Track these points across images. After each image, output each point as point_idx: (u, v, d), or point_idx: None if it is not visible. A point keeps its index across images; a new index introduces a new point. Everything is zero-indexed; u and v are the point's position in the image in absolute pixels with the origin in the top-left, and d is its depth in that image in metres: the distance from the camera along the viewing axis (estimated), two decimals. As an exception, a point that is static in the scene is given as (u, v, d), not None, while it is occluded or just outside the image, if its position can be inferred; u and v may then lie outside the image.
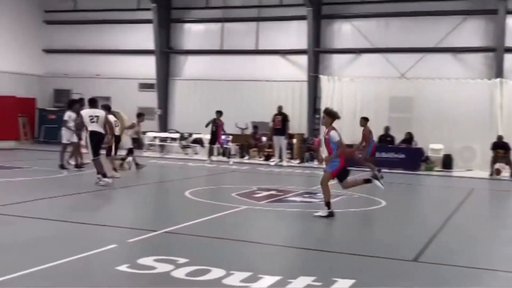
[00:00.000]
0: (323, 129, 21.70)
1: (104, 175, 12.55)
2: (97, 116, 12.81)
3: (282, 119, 19.90)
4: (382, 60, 22.03)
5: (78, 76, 26.54)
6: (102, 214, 9.69)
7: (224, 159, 21.49)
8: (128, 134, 16.47)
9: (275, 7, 23.43)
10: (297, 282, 5.77)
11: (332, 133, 9.75)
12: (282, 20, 23.33)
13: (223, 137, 20.67)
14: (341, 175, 9.88)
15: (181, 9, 24.96)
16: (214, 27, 24.46)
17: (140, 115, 17.27)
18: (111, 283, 5.72)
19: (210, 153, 19.90)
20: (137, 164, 16.26)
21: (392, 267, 6.81)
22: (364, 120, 16.30)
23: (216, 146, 20.16)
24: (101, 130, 12.79)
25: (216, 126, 19.76)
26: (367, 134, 16.06)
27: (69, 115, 15.75)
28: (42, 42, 26.94)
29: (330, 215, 9.61)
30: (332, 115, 9.91)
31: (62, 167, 15.34)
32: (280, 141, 19.95)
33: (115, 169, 14.39)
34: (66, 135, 15.58)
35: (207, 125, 19.66)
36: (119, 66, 25.85)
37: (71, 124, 15.45)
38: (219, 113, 19.73)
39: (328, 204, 9.68)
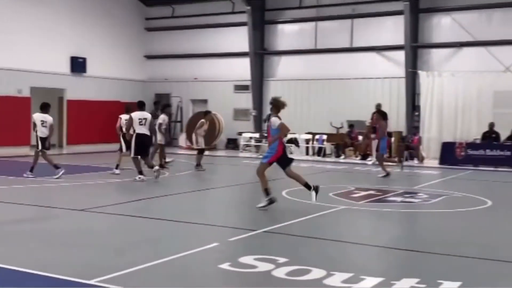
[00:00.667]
0: (423, 126, 21.22)
1: (140, 172, 13.47)
2: (145, 119, 13.56)
3: (379, 117, 19.39)
4: (485, 53, 21.00)
5: (177, 80, 27.45)
6: (202, 213, 9.93)
7: (320, 158, 21.43)
8: (201, 134, 16.85)
9: (370, 3, 23.01)
10: (400, 283, 5.63)
11: (273, 119, 9.81)
12: (378, 16, 22.86)
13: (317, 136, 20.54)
14: (281, 162, 9.99)
15: (275, 10, 25.12)
16: (308, 27, 24.41)
17: (207, 113, 17.70)
18: (214, 281, 5.87)
19: None
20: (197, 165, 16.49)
21: (499, 270, 6.47)
22: (378, 114, 16.35)
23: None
24: (148, 132, 13.59)
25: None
26: (379, 129, 16.08)
27: (163, 118, 16.41)
28: (143, 48, 28.13)
29: (271, 202, 9.67)
30: (277, 105, 10.13)
31: (161, 166, 15.93)
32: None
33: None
34: (159, 137, 16.16)
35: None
36: (215, 69, 26.46)
37: (164, 127, 16.21)
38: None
39: (266, 191, 9.77)
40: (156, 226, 8.57)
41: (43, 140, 13.73)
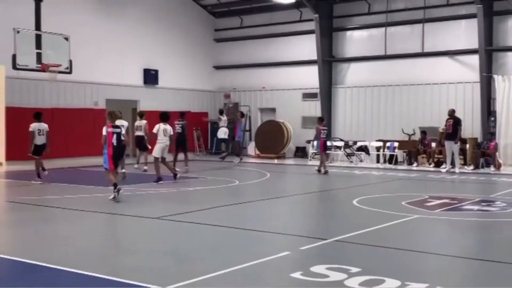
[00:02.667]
0: (499, 132, 20.41)
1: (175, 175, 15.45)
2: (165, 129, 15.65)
3: (453, 123, 18.84)
4: None
5: (245, 90, 27.75)
6: (273, 221, 9.95)
7: (391, 166, 21.05)
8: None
9: (442, 7, 22.43)
10: (479, 296, 5.44)
11: (104, 129, 11.62)
12: (450, 19, 22.25)
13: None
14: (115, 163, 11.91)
15: (343, 17, 24.95)
16: (377, 32, 24.08)
17: (321, 120, 19.20)
18: (286, 290, 5.87)
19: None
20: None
21: None
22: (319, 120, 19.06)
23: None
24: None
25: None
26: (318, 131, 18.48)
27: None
28: (212, 59, 28.64)
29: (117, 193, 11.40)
30: (109, 116, 12.07)
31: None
32: (452, 147, 18.92)
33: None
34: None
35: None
36: (283, 77, 26.56)
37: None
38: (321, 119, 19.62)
39: (114, 185, 11.51)
40: (226, 234, 8.67)
41: (38, 147, 15.01)
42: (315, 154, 23.89)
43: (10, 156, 18.99)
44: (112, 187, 11.66)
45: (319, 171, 18.34)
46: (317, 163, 22.11)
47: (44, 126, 15.16)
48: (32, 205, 11.25)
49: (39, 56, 18.22)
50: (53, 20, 19.56)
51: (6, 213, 11.00)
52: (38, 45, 18.25)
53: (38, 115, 15.29)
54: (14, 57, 17.48)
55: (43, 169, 15.31)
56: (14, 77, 19.63)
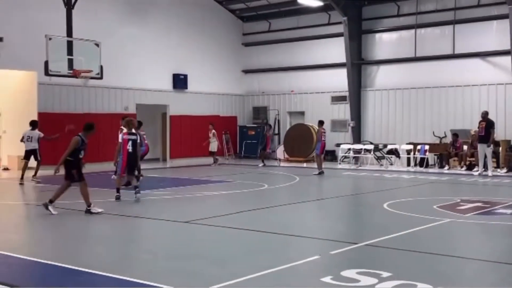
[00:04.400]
0: None
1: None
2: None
3: (486, 125, 18.46)
4: None
5: (274, 93, 27.76)
6: (303, 225, 9.91)
7: (422, 169, 20.81)
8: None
9: (473, 8, 22.09)
10: (514, 302, 5.32)
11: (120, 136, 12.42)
12: (481, 20, 21.89)
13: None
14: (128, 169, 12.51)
15: (372, 20, 24.78)
16: (406, 34, 23.84)
17: (322, 123, 19.66)
18: (316, 294, 5.83)
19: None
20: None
21: None
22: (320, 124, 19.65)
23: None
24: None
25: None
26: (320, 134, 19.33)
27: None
28: (241, 63, 28.72)
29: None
30: (126, 124, 12.56)
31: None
32: (484, 149, 18.58)
33: None
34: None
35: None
36: (312, 81, 26.49)
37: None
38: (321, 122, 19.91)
39: (117, 190, 12.34)
40: (256, 238, 8.67)
41: (27, 152, 16.66)
42: (345, 157, 23.77)
43: (43, 161, 19.32)
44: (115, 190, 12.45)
45: (321, 172, 19.12)
46: (347, 166, 22.00)
47: (35, 133, 16.67)
48: (74, 210, 11.43)
49: (70, 62, 18.51)
50: (84, 26, 19.87)
51: (33, 217, 11.21)
52: (70, 51, 18.54)
53: (32, 122, 16.97)
54: (46, 63, 17.80)
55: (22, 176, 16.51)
56: (47, 83, 20.00)
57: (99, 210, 10.65)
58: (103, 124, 22.52)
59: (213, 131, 22.91)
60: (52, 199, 10.71)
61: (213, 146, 23.03)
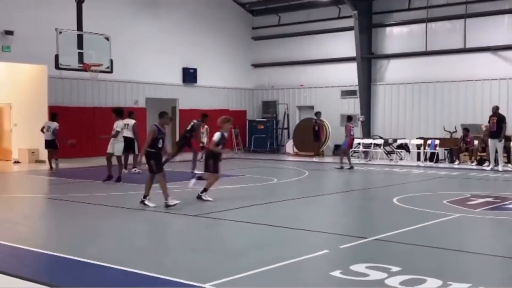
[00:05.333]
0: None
1: None
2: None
3: (497, 120, 18.32)
4: None
5: (283, 88, 27.71)
6: (312, 220, 9.91)
7: (432, 164, 20.71)
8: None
9: (484, 2, 21.91)
10: (524, 297, 5.30)
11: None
12: (492, 14, 21.71)
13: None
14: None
15: (382, 13, 24.65)
16: (417, 28, 23.69)
17: (350, 119, 19.64)
18: (326, 288, 5.84)
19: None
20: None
21: None
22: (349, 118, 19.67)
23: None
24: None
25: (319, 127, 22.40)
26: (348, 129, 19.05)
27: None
28: (250, 57, 28.69)
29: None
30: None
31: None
32: (496, 144, 18.43)
33: None
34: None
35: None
36: (321, 75, 26.40)
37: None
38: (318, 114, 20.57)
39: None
40: (266, 232, 8.69)
41: (47, 142, 17.67)
42: (354, 152, 23.66)
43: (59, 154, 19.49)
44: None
45: (351, 167, 18.94)
46: (356, 161, 21.90)
47: (53, 124, 17.64)
48: (81, 203, 11.49)
49: (80, 56, 18.57)
50: (94, 20, 19.91)
51: (48, 210, 11.28)
52: (80, 45, 18.60)
53: (52, 114, 18.17)
54: (56, 57, 17.87)
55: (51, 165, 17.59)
56: (57, 77, 20.10)
57: (176, 202, 10.53)
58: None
59: (206, 126, 19.26)
60: (145, 194, 10.72)
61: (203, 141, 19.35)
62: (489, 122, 18.76)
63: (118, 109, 15.89)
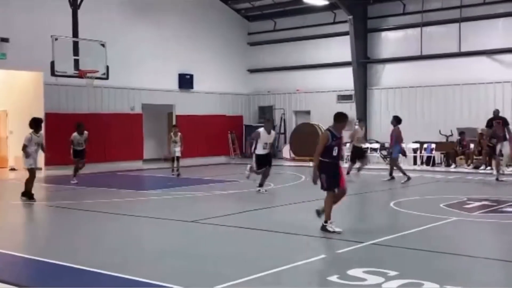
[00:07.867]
0: None
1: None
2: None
3: (503, 123, 17.84)
4: None
5: (279, 93, 27.74)
6: (309, 224, 9.89)
7: (428, 168, 20.72)
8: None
9: (478, 6, 22.01)
10: (522, 300, 5.30)
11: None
12: (487, 18, 21.81)
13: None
14: None
15: (378, 18, 24.72)
16: (412, 33, 23.77)
17: (361, 121, 19.66)
18: (323, 293, 5.83)
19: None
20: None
21: None
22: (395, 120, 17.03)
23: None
24: None
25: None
26: (393, 135, 16.66)
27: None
28: (246, 62, 28.72)
29: None
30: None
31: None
32: (502, 148, 18.06)
33: None
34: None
35: None
36: (317, 80, 26.45)
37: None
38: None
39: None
40: (263, 237, 8.67)
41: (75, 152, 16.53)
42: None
43: (49, 161, 19.40)
44: None
45: (408, 178, 16.25)
46: (357, 165, 21.85)
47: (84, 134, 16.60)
48: (81, 210, 11.46)
49: (76, 62, 18.56)
50: (90, 27, 19.89)
51: (49, 217, 11.25)
52: (76, 52, 18.59)
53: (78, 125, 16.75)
54: (52, 64, 17.85)
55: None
56: (53, 84, 20.06)
57: (337, 230, 8.57)
58: (109, 124, 22.62)
59: (179, 134, 18.78)
60: (326, 219, 8.73)
61: (177, 150, 18.63)
62: (489, 125, 18.35)
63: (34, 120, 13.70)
